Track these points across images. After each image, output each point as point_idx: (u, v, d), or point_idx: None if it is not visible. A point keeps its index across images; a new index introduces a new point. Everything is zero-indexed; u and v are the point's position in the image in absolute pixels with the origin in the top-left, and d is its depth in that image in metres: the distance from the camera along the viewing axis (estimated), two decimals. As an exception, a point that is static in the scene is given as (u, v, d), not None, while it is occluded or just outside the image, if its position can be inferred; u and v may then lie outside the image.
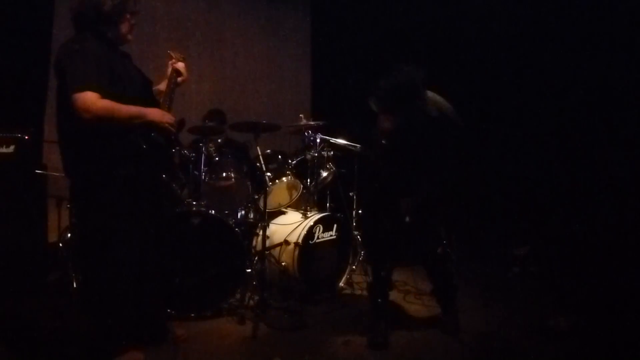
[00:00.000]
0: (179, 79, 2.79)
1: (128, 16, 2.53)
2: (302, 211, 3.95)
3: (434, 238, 3.13)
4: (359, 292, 3.90)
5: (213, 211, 3.45)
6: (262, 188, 3.69)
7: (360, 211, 4.31)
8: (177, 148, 3.61)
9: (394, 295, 3.67)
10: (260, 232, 3.59)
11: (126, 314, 2.49)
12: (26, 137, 3.57)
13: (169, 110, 2.64)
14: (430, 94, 2.89)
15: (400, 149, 2.98)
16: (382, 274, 3.16)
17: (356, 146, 4.14)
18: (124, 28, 2.54)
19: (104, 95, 2.30)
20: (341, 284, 3.91)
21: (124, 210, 2.46)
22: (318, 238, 3.75)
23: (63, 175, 2.55)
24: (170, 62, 2.81)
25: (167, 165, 2.75)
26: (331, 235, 3.85)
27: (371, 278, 3.27)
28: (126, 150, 2.44)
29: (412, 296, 3.83)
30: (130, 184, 2.46)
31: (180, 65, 2.80)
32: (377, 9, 5.78)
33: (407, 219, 3.01)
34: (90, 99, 2.25)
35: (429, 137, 2.85)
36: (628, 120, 4.13)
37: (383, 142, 2.95)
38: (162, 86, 2.81)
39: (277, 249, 3.73)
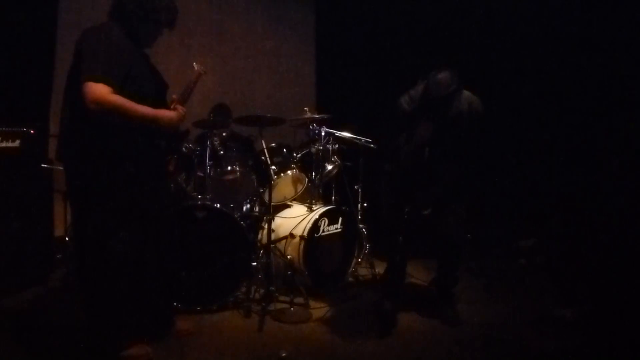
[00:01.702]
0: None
1: (156, 27, 2.56)
2: (307, 204, 3.95)
3: (460, 227, 3.20)
4: (364, 285, 3.90)
5: (218, 205, 3.45)
6: (267, 181, 3.69)
7: (365, 204, 4.32)
8: (175, 156, 3.58)
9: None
10: (266, 226, 3.59)
11: (128, 309, 2.50)
12: (32, 132, 3.58)
13: (183, 104, 2.66)
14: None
15: (431, 145, 3.04)
16: (397, 258, 3.24)
17: (361, 139, 4.14)
18: (153, 33, 2.57)
19: (117, 91, 2.29)
20: (347, 276, 3.91)
21: (121, 207, 2.44)
22: (323, 231, 3.76)
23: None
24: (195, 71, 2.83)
25: (161, 170, 2.72)
26: (336, 229, 3.86)
27: (387, 263, 3.36)
28: (126, 147, 2.42)
29: (416, 288, 3.83)
30: (128, 180, 2.44)
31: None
32: (381, 3, 5.75)
33: (427, 211, 3.08)
34: (102, 91, 2.23)
35: (458, 130, 3.01)
36: (631, 113, 4.11)
37: (424, 148, 3.00)
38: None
39: (283, 242, 3.73)
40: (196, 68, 2.82)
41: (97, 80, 2.24)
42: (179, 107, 2.65)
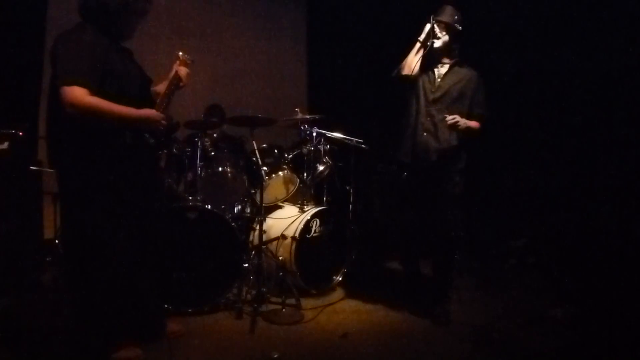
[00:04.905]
0: (180, 84, 2.72)
1: (135, 18, 2.50)
2: (298, 205, 3.95)
3: (454, 220, 3.27)
4: (356, 285, 3.90)
5: (209, 206, 3.44)
6: (258, 182, 3.68)
7: (358, 205, 4.32)
8: (166, 151, 3.55)
9: (392, 288, 3.70)
10: (257, 227, 3.57)
11: (118, 310, 2.47)
12: (20, 134, 3.54)
13: (164, 111, 2.58)
14: None
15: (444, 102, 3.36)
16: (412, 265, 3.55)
17: (352, 140, 4.13)
18: (129, 26, 2.51)
19: (94, 92, 2.26)
20: (338, 277, 3.91)
21: (112, 208, 2.42)
22: (315, 232, 3.75)
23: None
24: (175, 64, 2.76)
25: (152, 167, 2.70)
26: (328, 229, 3.85)
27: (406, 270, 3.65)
28: (113, 147, 2.40)
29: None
30: (117, 181, 2.42)
31: (183, 71, 2.74)
32: (373, 4, 5.76)
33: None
34: (76, 94, 2.21)
35: (468, 89, 3.43)
36: (623, 111, 4.13)
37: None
38: (161, 87, 2.72)
39: (274, 243, 3.73)
40: (181, 57, 2.76)
41: (70, 83, 2.22)
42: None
